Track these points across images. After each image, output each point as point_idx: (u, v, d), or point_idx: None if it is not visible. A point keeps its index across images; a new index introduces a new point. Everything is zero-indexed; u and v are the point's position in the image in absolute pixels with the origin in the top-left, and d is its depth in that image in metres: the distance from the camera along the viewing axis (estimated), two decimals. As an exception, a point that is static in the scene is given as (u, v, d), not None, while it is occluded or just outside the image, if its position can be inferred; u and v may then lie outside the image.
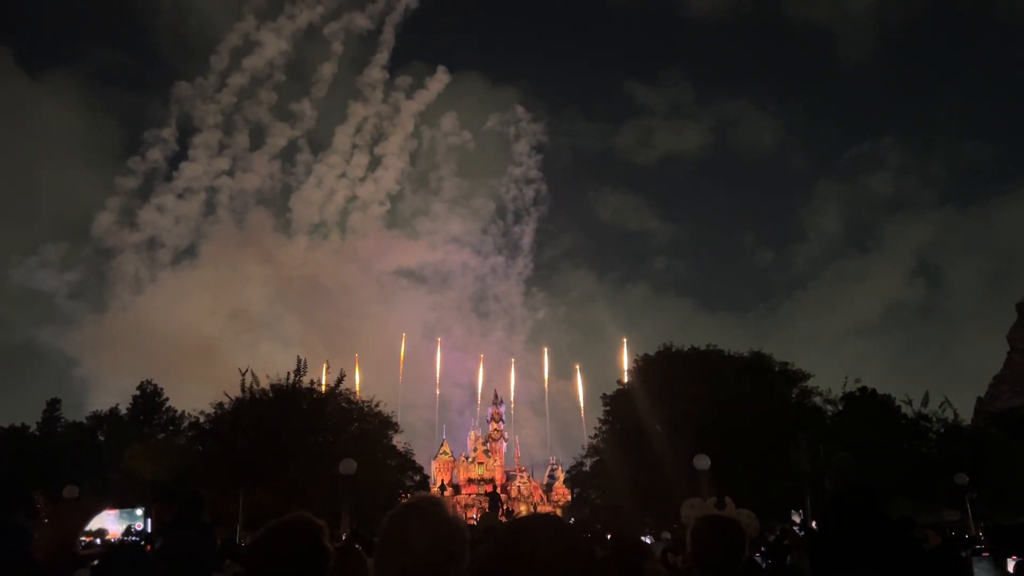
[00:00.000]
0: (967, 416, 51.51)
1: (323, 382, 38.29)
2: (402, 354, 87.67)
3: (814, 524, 22.18)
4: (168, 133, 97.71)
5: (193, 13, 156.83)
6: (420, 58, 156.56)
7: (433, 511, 2.20)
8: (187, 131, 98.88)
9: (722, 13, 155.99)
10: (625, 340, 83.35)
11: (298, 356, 38.16)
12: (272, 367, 37.80)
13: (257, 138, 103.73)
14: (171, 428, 49.79)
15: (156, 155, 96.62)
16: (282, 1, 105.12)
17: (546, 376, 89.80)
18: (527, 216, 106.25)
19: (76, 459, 42.50)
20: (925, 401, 40.52)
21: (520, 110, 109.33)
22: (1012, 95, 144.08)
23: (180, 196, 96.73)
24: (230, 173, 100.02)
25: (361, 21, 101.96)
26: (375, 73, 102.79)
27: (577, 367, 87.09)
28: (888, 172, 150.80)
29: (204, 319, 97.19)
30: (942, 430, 40.44)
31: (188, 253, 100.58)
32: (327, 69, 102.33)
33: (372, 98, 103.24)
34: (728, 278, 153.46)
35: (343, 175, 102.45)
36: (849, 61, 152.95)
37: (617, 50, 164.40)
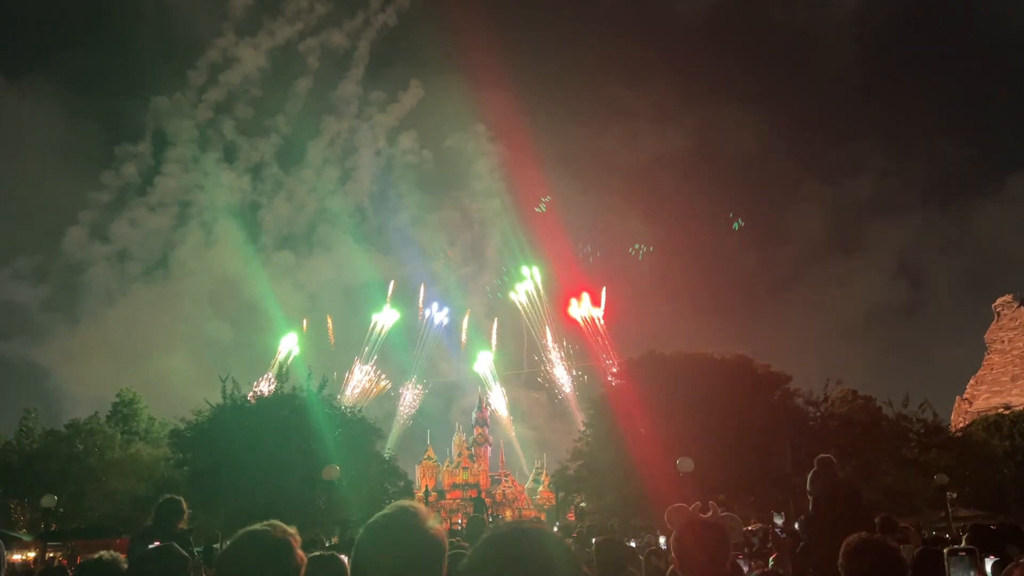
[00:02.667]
0: (947, 416, 52.18)
1: (306, 386, 37.94)
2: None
3: (796, 525, 22.31)
4: (143, 147, 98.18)
5: (176, 20, 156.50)
6: (399, 65, 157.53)
7: (410, 521, 2.18)
8: (162, 145, 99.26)
9: (706, 16, 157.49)
10: (603, 328, 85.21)
11: (280, 363, 37.98)
12: (250, 377, 37.57)
13: (231, 152, 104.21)
14: (150, 436, 49.24)
15: (131, 170, 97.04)
16: (261, 17, 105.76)
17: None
18: (494, 226, 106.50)
19: (53, 468, 41.91)
20: (905, 402, 40.97)
21: (482, 128, 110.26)
22: (992, 98, 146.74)
23: (152, 209, 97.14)
24: (202, 187, 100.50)
25: (338, 39, 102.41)
26: (350, 88, 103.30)
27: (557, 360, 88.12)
28: (870, 174, 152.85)
29: (177, 331, 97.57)
30: (922, 430, 40.86)
31: (161, 265, 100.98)
32: (303, 84, 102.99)
33: (346, 113, 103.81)
34: (712, 281, 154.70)
35: (314, 189, 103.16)
36: (832, 64, 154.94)
37: (601, 53, 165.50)
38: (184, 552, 3.81)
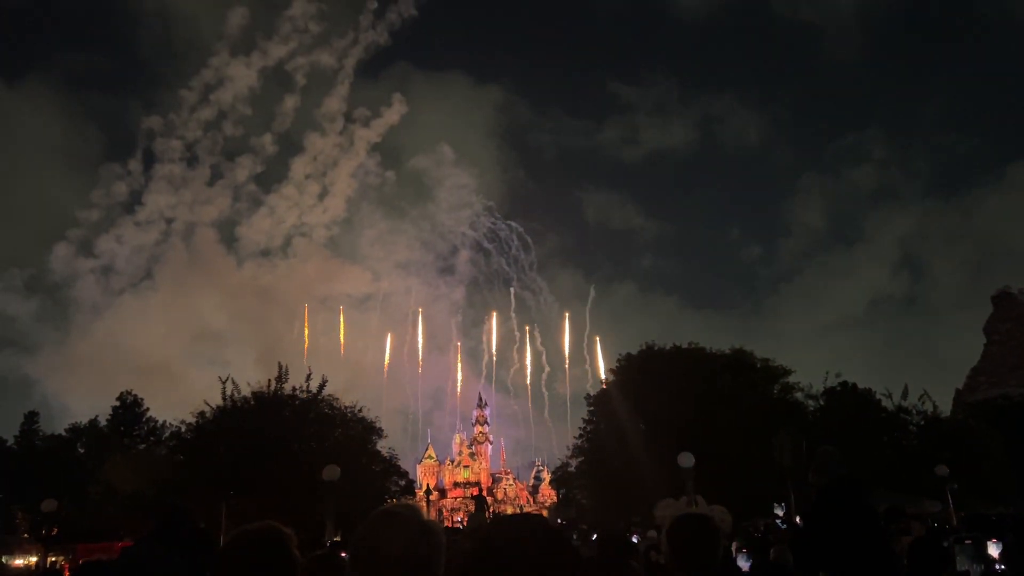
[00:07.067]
0: (946, 408, 52.23)
1: (306, 387, 37.88)
2: (387, 359, 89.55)
3: (798, 519, 22.33)
4: (134, 165, 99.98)
5: (175, 35, 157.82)
6: (384, 79, 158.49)
7: (407, 516, 2.22)
8: (151, 163, 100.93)
9: (709, 10, 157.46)
10: (598, 339, 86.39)
11: (279, 362, 37.88)
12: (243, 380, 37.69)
13: (218, 170, 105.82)
14: (152, 439, 49.16)
15: (121, 189, 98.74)
16: (255, 37, 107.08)
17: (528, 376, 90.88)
18: (484, 228, 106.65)
19: (55, 472, 41.88)
20: (905, 394, 41.01)
21: (448, 149, 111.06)
22: (992, 89, 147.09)
23: (139, 225, 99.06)
24: (189, 204, 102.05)
25: (327, 57, 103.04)
26: (334, 104, 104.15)
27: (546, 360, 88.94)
28: (872, 165, 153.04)
29: (163, 343, 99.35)
30: (922, 422, 40.90)
31: (148, 279, 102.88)
32: (289, 103, 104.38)
33: (330, 130, 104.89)
34: (714, 274, 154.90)
35: (296, 204, 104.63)
36: (834, 56, 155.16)
37: (603, 47, 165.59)
38: (163, 554, 3.79)
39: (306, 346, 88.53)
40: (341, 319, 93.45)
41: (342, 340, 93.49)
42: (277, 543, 2.55)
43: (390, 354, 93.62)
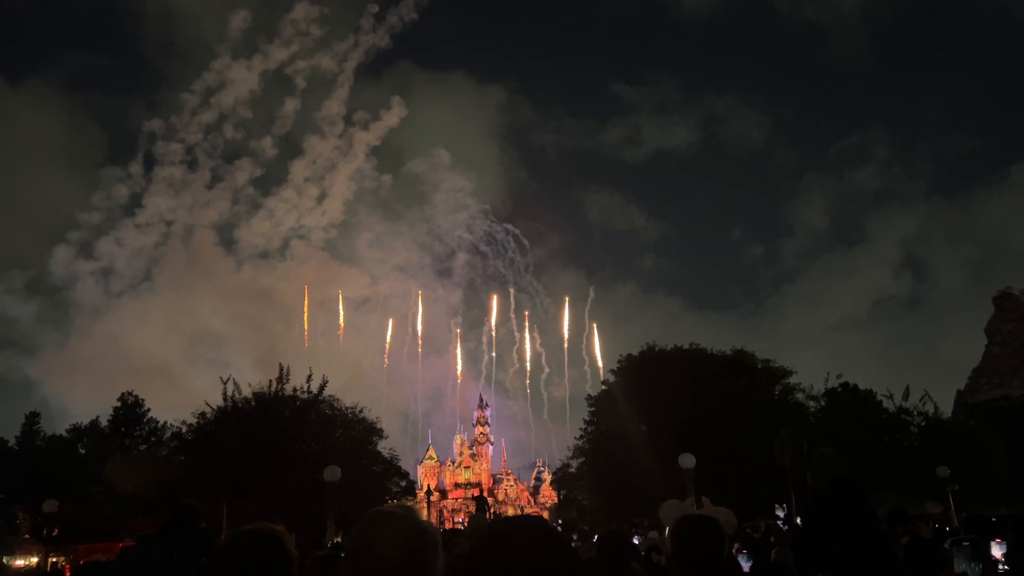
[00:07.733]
0: (948, 409, 52.21)
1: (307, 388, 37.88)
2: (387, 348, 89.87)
3: (798, 520, 22.30)
4: (134, 167, 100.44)
5: (178, 24, 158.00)
6: (383, 82, 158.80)
7: (402, 516, 2.23)
8: (152, 165, 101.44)
9: (712, 10, 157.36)
10: (599, 340, 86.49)
11: (280, 363, 37.85)
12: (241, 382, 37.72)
13: (217, 172, 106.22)
14: (153, 439, 49.15)
15: (122, 191, 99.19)
16: (256, 40, 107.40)
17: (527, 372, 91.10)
18: (482, 227, 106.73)
19: (56, 473, 41.87)
20: (906, 395, 40.97)
21: (444, 153, 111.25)
22: (995, 90, 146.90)
23: (139, 227, 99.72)
24: (189, 207, 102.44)
25: (328, 61, 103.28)
26: (334, 107, 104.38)
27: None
28: (874, 166, 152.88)
29: (163, 344, 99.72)
30: (923, 423, 40.84)
31: (148, 281, 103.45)
32: (290, 106, 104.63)
33: (329, 133, 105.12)
34: (716, 275, 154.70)
35: (295, 207, 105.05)
36: (837, 57, 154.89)
37: (606, 47, 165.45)
38: (163, 554, 3.81)
39: (306, 344, 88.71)
40: (340, 321, 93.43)
41: (341, 342, 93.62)
42: (274, 543, 2.56)
43: (389, 355, 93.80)
